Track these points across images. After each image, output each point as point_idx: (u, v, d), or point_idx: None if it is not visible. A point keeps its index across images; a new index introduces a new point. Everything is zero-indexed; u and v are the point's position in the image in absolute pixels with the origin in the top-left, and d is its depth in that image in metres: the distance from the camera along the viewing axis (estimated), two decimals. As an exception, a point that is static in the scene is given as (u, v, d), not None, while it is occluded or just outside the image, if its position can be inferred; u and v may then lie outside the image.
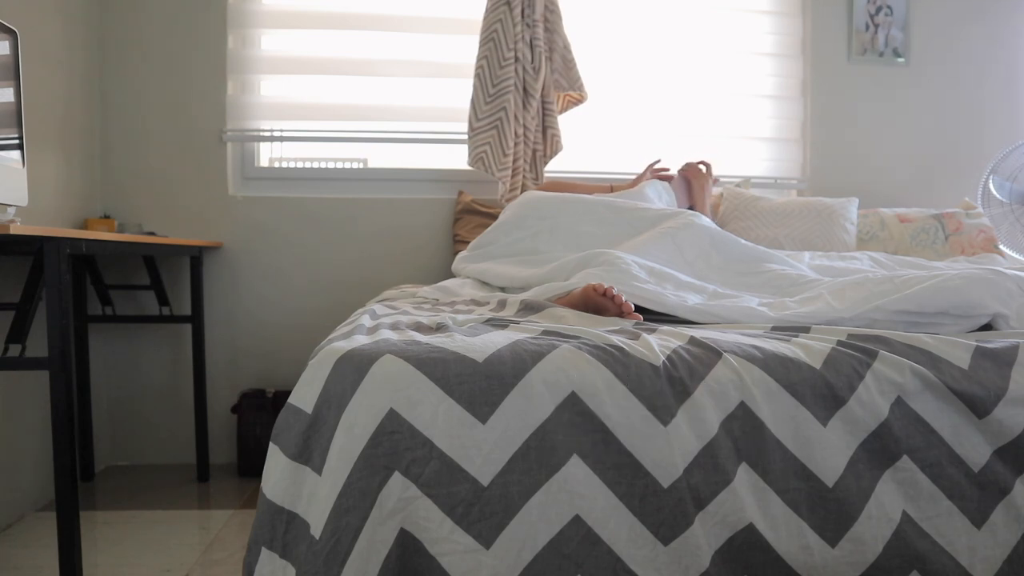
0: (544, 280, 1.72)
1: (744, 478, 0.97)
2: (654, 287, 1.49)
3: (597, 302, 1.36)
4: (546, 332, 1.12)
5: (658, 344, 1.07)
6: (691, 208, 2.45)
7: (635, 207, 2.01)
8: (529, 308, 1.40)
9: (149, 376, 2.69)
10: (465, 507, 0.91)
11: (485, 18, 2.58)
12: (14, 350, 1.65)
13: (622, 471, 0.94)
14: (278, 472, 0.95)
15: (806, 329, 1.22)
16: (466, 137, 2.60)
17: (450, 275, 2.65)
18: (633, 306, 1.37)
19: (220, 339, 2.70)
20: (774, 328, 1.26)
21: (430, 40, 2.80)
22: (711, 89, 2.94)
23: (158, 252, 2.24)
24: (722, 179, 2.89)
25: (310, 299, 2.73)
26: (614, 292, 1.35)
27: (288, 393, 1.94)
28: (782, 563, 0.96)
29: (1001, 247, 2.62)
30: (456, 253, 2.63)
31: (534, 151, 2.67)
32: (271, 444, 0.97)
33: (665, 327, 1.24)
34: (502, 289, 1.86)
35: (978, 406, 1.04)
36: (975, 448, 1.04)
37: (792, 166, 3.04)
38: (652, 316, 1.42)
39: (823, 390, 1.02)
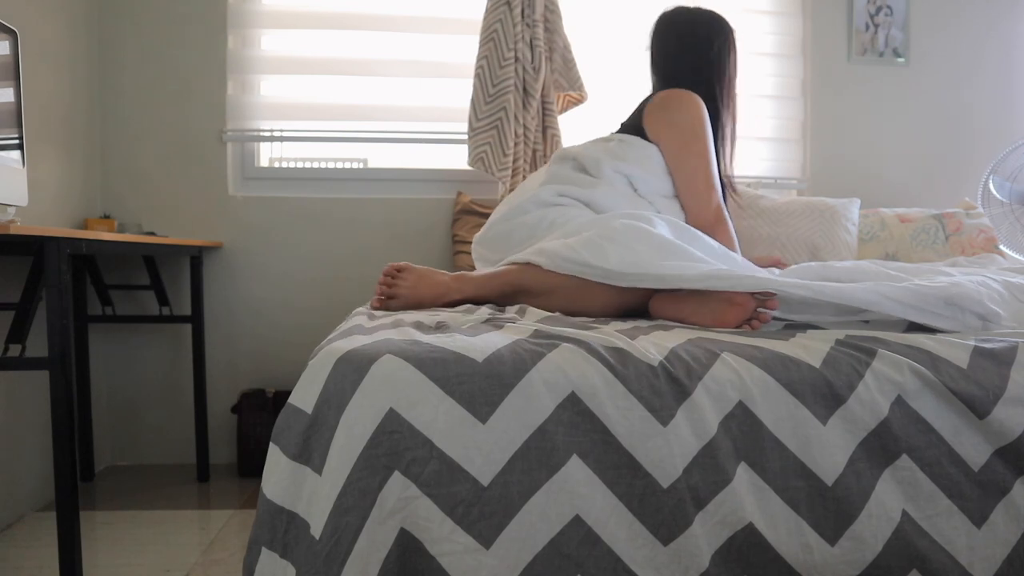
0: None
1: (743, 477, 0.97)
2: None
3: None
4: (546, 332, 1.12)
5: (656, 344, 1.07)
6: None
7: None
8: (521, 311, 1.39)
9: (149, 376, 2.69)
10: (465, 507, 0.91)
11: (485, 18, 2.58)
12: (14, 350, 1.64)
13: (621, 471, 0.95)
14: (278, 472, 0.95)
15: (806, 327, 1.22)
16: (466, 137, 2.60)
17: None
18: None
19: (220, 339, 2.70)
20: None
21: (430, 40, 2.79)
22: (711, 89, 2.94)
23: (158, 252, 2.24)
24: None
25: (310, 299, 2.73)
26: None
27: (288, 393, 1.94)
28: (782, 562, 0.96)
29: (1001, 247, 2.62)
30: (456, 253, 2.64)
31: (534, 151, 2.67)
32: (271, 444, 0.97)
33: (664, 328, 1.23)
34: None
35: (977, 406, 1.04)
36: (975, 448, 1.04)
37: (792, 166, 3.04)
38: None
39: (823, 389, 1.02)
